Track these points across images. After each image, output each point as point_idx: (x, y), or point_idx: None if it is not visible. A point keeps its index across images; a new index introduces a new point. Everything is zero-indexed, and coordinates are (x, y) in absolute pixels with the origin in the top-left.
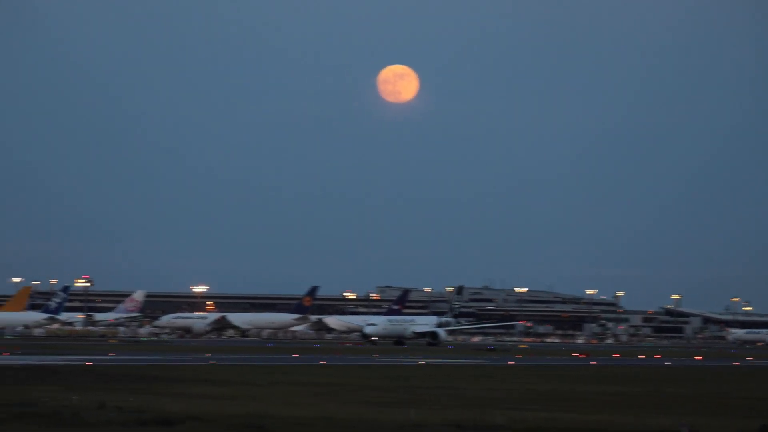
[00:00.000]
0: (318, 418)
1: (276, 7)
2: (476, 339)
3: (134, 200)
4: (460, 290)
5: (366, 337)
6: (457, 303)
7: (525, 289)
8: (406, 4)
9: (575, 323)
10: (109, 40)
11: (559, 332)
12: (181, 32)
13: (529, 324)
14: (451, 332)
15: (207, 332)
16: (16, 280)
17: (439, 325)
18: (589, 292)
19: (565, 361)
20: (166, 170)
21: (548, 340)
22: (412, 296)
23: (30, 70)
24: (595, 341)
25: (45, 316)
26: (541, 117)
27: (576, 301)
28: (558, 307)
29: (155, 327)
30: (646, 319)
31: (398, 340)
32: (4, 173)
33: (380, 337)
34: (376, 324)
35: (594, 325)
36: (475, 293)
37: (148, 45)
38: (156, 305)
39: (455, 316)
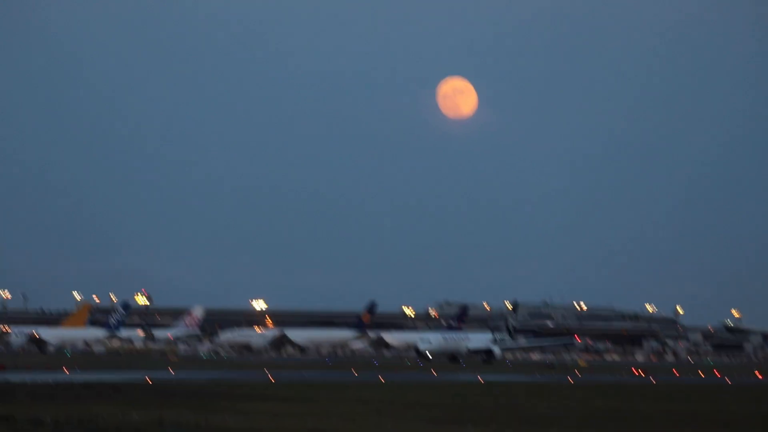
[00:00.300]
0: None
1: (324, 22)
2: (535, 356)
3: (194, 217)
4: (515, 307)
5: (420, 353)
6: (512, 320)
7: (584, 306)
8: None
9: (635, 340)
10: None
11: (619, 349)
12: (240, 68)
13: (588, 341)
14: (506, 349)
15: (266, 349)
16: (76, 296)
17: (494, 342)
18: (648, 308)
19: (625, 378)
20: (225, 188)
21: (607, 357)
22: (471, 313)
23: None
24: (654, 358)
25: (105, 332)
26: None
27: (635, 317)
28: (617, 324)
29: (215, 343)
30: (706, 336)
31: (453, 357)
32: (65, 192)
33: (434, 354)
34: (430, 341)
35: (654, 341)
36: (534, 310)
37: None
38: (215, 322)
39: (510, 333)
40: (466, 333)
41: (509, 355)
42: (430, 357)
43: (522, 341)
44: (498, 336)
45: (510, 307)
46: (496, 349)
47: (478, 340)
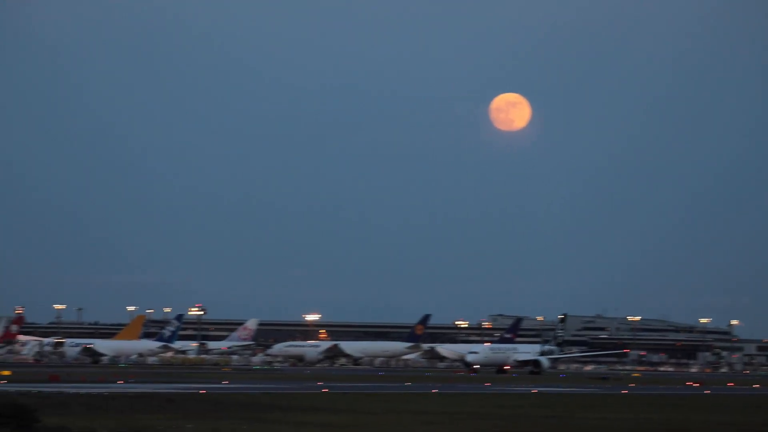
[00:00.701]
0: None
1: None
2: (589, 367)
3: (249, 231)
4: (564, 319)
5: (467, 365)
6: (561, 331)
7: (638, 318)
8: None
9: (689, 352)
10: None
11: (673, 361)
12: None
13: (642, 353)
14: (554, 361)
15: (319, 360)
16: (130, 308)
17: (542, 354)
18: (702, 320)
19: (679, 390)
20: (281, 205)
21: (661, 368)
22: (525, 325)
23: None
24: (709, 370)
25: (159, 344)
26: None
27: (689, 329)
28: (671, 336)
29: (268, 355)
30: (761, 348)
31: (500, 368)
32: (121, 208)
33: (482, 365)
34: (477, 352)
35: (708, 353)
36: (588, 322)
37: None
38: (268, 333)
39: (559, 345)
40: (515, 345)
41: (563, 367)
42: (478, 368)
43: (574, 352)
44: (546, 347)
45: (559, 319)
46: (544, 360)
47: (525, 351)
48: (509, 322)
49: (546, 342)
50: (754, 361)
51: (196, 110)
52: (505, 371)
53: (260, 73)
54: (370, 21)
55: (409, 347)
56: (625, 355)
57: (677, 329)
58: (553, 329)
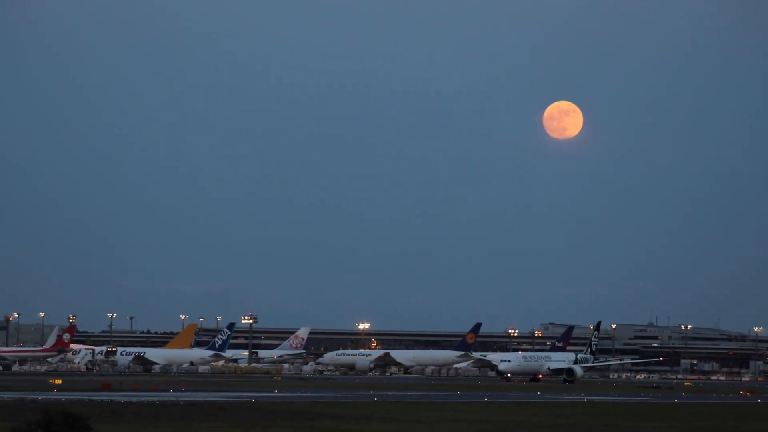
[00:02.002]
0: None
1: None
2: (640, 376)
3: (300, 240)
4: (598, 326)
5: (500, 373)
6: (595, 339)
7: (690, 326)
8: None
9: (741, 360)
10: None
11: (725, 370)
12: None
13: (693, 361)
14: (588, 369)
15: (370, 369)
16: (182, 317)
17: (576, 362)
18: (755, 329)
19: (731, 399)
20: (333, 213)
21: (713, 377)
22: (576, 333)
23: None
24: (761, 379)
25: (210, 353)
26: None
27: (742, 338)
28: (723, 345)
29: (319, 364)
30: None
31: (534, 377)
32: (175, 216)
33: (514, 373)
34: (510, 360)
35: (760, 362)
36: (640, 330)
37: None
38: (319, 342)
39: (593, 353)
40: (548, 353)
41: (613, 376)
42: (510, 376)
43: (625, 361)
44: (580, 356)
45: (594, 327)
46: (578, 369)
47: (559, 359)
48: (561, 330)
49: (603, 351)
50: None
51: (235, 116)
52: (539, 380)
53: (299, 75)
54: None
55: (460, 356)
56: (675, 362)
57: (729, 338)
58: (604, 338)
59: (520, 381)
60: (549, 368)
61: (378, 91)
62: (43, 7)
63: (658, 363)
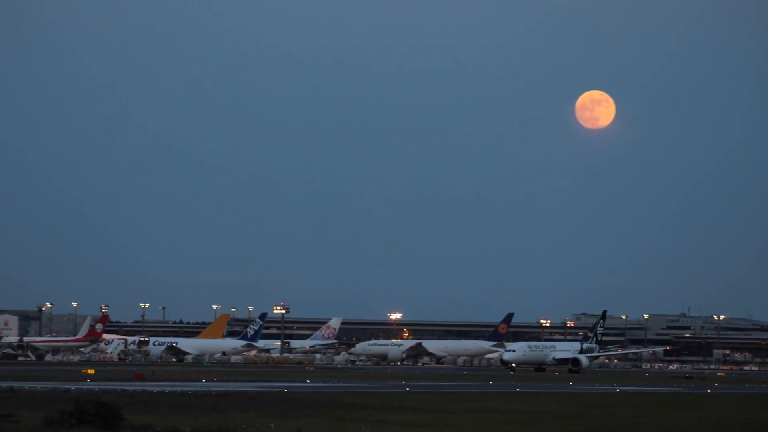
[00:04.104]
0: None
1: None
2: (673, 367)
3: (333, 230)
4: (603, 316)
5: (504, 363)
6: (600, 328)
7: (722, 317)
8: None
9: None
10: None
11: (758, 360)
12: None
13: (726, 351)
14: (594, 359)
15: (402, 359)
16: (215, 307)
17: (581, 352)
18: None
19: (764, 389)
20: (365, 202)
21: (746, 368)
22: (608, 323)
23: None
24: None
25: (243, 343)
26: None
27: None
28: (756, 335)
29: (351, 354)
30: None
31: (539, 367)
32: (206, 206)
33: (519, 363)
34: (515, 350)
35: None
36: (672, 321)
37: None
38: (351, 332)
39: (599, 342)
40: (553, 342)
41: (646, 366)
42: (514, 366)
43: (657, 351)
44: (585, 345)
45: (600, 316)
46: (583, 359)
47: (564, 349)
48: (593, 321)
49: (636, 342)
50: None
51: (263, 104)
52: (544, 370)
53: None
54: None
55: (492, 346)
56: (708, 353)
57: (762, 328)
58: (636, 328)
59: (532, 375)
60: (554, 358)
61: (404, 81)
62: None
63: (690, 353)
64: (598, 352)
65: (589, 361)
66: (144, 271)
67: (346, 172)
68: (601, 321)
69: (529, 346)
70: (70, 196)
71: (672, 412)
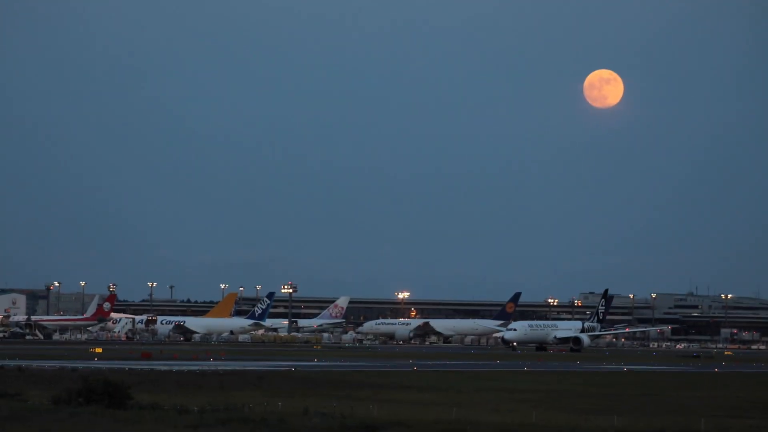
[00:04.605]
0: (522, 424)
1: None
2: (680, 346)
3: (339, 209)
4: (605, 295)
5: (506, 342)
6: (602, 308)
7: (730, 296)
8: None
9: None
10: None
11: (765, 339)
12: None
13: (734, 330)
14: (595, 338)
15: (410, 338)
16: (222, 286)
17: (583, 331)
18: None
19: None
20: (373, 183)
21: (754, 347)
22: (616, 303)
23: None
24: None
25: (250, 322)
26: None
27: None
28: (764, 314)
29: (358, 333)
30: None
31: (540, 346)
32: (213, 186)
33: (520, 342)
34: (516, 329)
35: None
36: (680, 300)
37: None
38: (359, 311)
39: (600, 321)
40: (555, 321)
41: (654, 345)
42: (515, 345)
43: (665, 330)
44: (587, 324)
45: (602, 294)
46: (584, 338)
47: (566, 328)
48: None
49: (643, 321)
50: None
51: (272, 84)
52: (545, 349)
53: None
54: None
55: (499, 325)
56: (715, 331)
57: None
58: (644, 307)
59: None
60: (555, 337)
61: (416, 62)
62: None
63: (698, 332)
64: (600, 330)
65: (591, 340)
66: (152, 250)
67: (353, 151)
68: (603, 300)
69: (531, 325)
70: (78, 175)
71: (679, 391)
